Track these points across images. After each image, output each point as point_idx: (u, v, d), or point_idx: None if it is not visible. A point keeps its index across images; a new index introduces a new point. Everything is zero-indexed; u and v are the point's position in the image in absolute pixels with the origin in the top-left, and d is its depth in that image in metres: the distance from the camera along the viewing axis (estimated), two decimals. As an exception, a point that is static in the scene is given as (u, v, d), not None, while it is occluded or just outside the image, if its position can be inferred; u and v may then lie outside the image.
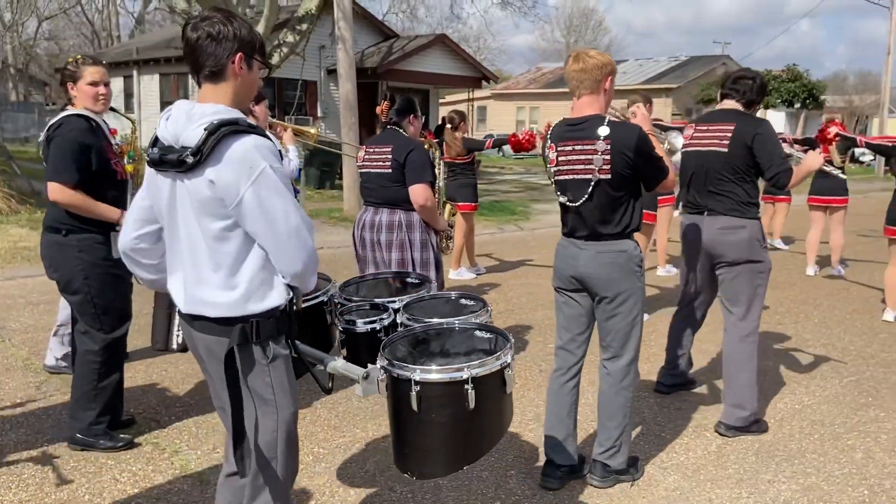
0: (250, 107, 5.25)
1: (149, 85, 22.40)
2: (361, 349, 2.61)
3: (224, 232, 2.12)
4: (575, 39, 55.04)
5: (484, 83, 24.05)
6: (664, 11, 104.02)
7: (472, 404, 2.19)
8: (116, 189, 3.71)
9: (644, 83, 32.93)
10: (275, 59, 16.27)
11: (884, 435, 4.19)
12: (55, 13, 39.34)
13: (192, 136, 2.06)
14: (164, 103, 22.43)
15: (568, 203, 3.36)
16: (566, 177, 3.34)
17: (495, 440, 2.37)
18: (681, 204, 4.52)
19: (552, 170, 3.40)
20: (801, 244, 10.09)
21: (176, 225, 2.20)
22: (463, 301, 2.92)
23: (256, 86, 2.26)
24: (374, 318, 2.64)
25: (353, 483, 3.48)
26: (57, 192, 3.48)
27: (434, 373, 2.21)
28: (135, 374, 4.83)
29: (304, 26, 16.19)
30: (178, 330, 3.62)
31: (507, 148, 8.15)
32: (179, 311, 2.31)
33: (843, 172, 8.59)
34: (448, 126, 8.01)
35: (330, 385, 2.48)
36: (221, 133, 2.04)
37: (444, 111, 22.32)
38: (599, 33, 57.67)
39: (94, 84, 3.66)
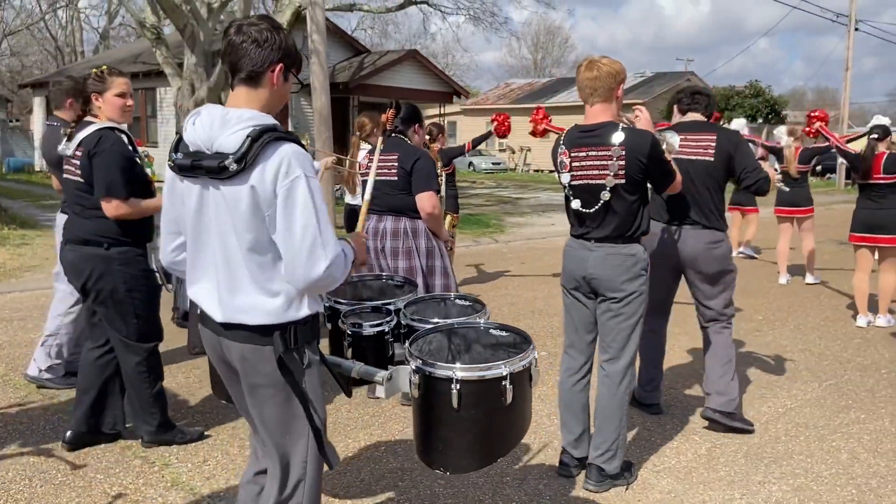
0: None
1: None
2: (368, 351, 2.62)
3: (263, 240, 2.09)
4: (542, 56, 55.76)
5: (455, 98, 24.17)
6: (627, 29, 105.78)
7: (509, 399, 2.23)
8: (150, 197, 3.77)
9: (611, 98, 33.34)
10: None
11: (866, 436, 4.28)
12: (18, 29, 38.72)
13: (229, 141, 2.03)
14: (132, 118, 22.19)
15: (582, 208, 3.40)
16: (580, 182, 3.39)
17: (523, 433, 2.40)
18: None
19: (566, 175, 3.44)
20: (770, 253, 10.28)
21: (205, 232, 2.16)
22: (459, 302, 2.95)
23: (286, 99, 2.24)
24: (380, 321, 2.64)
25: (350, 493, 3.46)
26: (115, 208, 3.55)
27: (474, 370, 2.24)
28: (118, 389, 4.74)
29: (276, 41, 16.16)
30: None
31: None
32: (205, 320, 2.28)
33: (803, 182, 8.79)
34: (426, 138, 8.04)
35: (350, 388, 2.49)
36: (265, 140, 2.02)
37: (415, 126, 22.37)
38: (566, 50, 58.45)
39: (121, 95, 3.69)
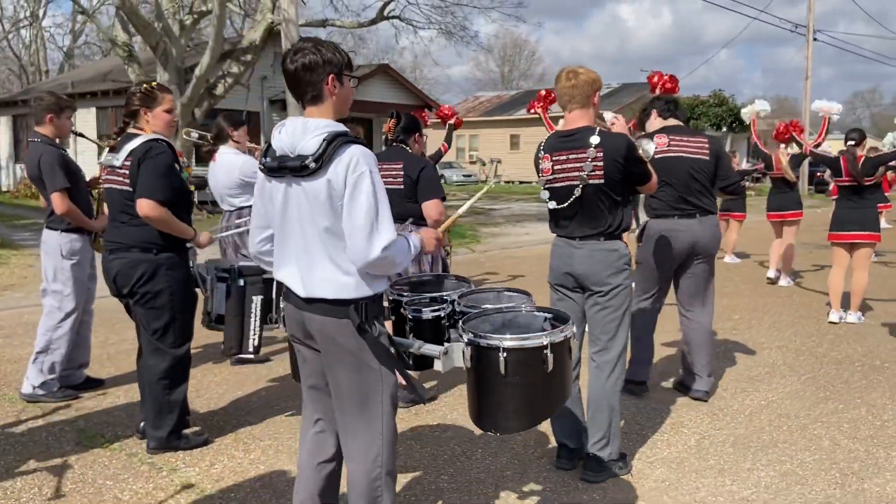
0: (229, 132, 5.34)
1: (85, 118, 21.89)
2: (426, 334, 2.88)
3: (336, 226, 2.43)
4: (509, 69, 56.30)
5: (426, 111, 24.35)
6: (591, 42, 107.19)
7: (550, 366, 2.53)
8: (190, 206, 3.92)
9: (579, 110, 33.77)
10: (219, 90, 16.26)
11: (845, 424, 4.47)
12: (-20, 48, 38.24)
13: (309, 145, 2.40)
14: (101, 137, 22.00)
15: (558, 207, 3.57)
16: (561, 183, 3.56)
17: (564, 400, 2.67)
18: (650, 208, 4.81)
19: (546, 178, 3.61)
20: (747, 256, 10.56)
21: (290, 223, 2.52)
22: (507, 293, 3.27)
23: (351, 98, 2.56)
24: (438, 308, 2.91)
25: (356, 490, 3.54)
26: (150, 207, 3.66)
27: (519, 340, 2.54)
28: (115, 399, 4.79)
29: (249, 57, 16.23)
30: (254, 334, 3.82)
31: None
32: (288, 297, 2.59)
33: (793, 187, 9.13)
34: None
35: (410, 362, 2.81)
36: (337, 143, 2.40)
37: (387, 139, 22.48)
38: (533, 63, 59.10)
39: (169, 111, 3.86)
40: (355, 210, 2.38)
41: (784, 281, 9.17)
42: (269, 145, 2.52)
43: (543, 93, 6.05)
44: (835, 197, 13.21)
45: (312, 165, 2.36)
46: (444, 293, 3.05)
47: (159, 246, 3.76)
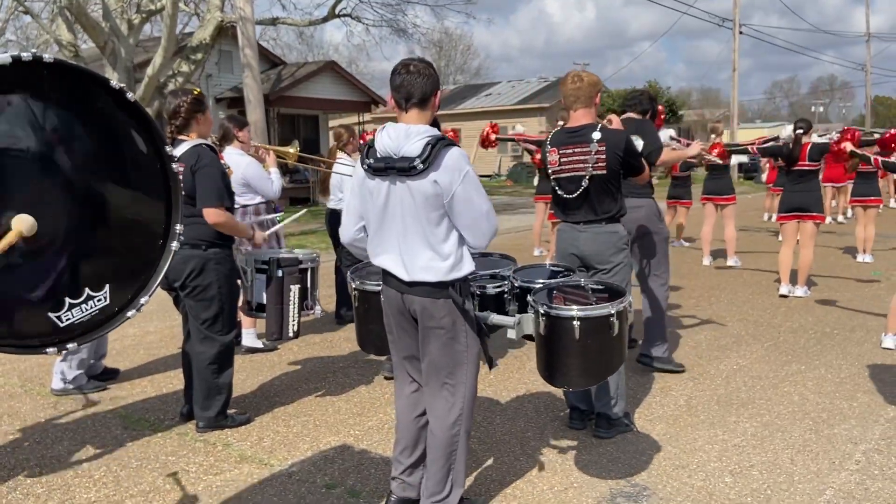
0: (234, 132, 5.62)
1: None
2: (491, 306, 3.27)
3: (439, 219, 2.84)
4: (445, 63, 56.72)
5: (374, 107, 24.59)
6: (518, 37, 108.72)
7: (616, 332, 2.95)
8: (234, 202, 4.23)
9: (518, 104, 34.44)
10: (170, 89, 16.20)
11: (810, 382, 5.08)
12: None
13: (413, 148, 2.76)
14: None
15: (566, 195, 4.03)
16: (568, 174, 4.02)
17: (623, 360, 3.13)
18: None
19: (553, 170, 4.07)
20: (698, 242, 11.27)
21: (390, 216, 2.89)
22: (553, 268, 3.71)
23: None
24: (500, 284, 3.32)
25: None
26: (216, 215, 4.01)
27: (590, 310, 3.00)
28: (144, 388, 5.05)
29: (199, 55, 16.24)
30: (293, 320, 4.15)
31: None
32: (387, 281, 2.97)
33: (725, 174, 9.78)
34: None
35: (487, 331, 3.15)
36: (440, 145, 2.78)
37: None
38: (468, 57, 59.71)
39: (209, 113, 4.18)
40: (475, 203, 2.80)
41: (731, 261, 9.86)
42: (370, 147, 2.88)
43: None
44: (771, 184, 14.09)
45: (420, 166, 2.73)
46: (498, 271, 3.46)
47: (207, 242, 4.07)
